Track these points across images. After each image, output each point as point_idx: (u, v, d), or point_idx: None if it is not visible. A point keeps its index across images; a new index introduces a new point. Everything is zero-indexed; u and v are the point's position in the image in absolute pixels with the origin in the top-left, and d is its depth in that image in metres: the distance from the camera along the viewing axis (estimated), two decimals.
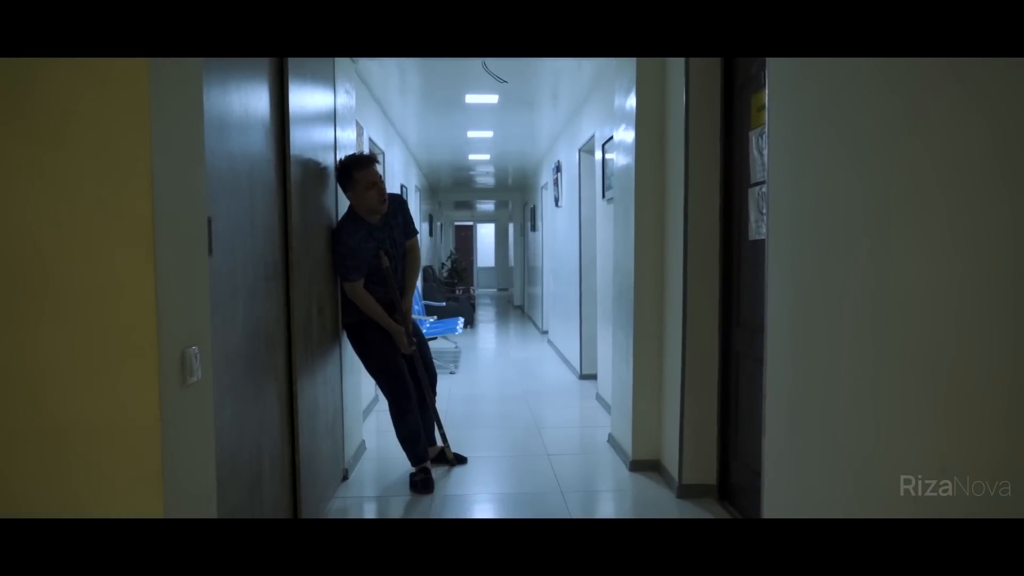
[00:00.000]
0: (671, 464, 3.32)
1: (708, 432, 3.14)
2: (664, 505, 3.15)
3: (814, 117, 1.90)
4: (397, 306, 3.42)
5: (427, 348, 3.73)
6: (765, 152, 2.44)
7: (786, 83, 2.05)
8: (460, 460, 3.80)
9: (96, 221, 1.38)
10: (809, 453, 1.93)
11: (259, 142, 2.30)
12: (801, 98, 1.97)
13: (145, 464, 1.41)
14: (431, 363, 3.73)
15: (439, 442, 3.79)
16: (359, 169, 3.26)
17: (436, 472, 3.59)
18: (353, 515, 3.20)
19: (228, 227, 1.98)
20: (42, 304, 1.38)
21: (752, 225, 2.76)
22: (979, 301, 1.33)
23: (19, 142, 1.35)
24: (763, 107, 2.57)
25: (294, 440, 2.63)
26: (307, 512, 2.72)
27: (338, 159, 3.38)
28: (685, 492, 3.18)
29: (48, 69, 1.35)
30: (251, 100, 2.22)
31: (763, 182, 2.59)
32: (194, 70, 1.64)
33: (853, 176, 1.71)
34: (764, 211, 2.57)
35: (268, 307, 2.37)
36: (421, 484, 3.37)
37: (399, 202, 3.53)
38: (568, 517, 3.04)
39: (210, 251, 1.76)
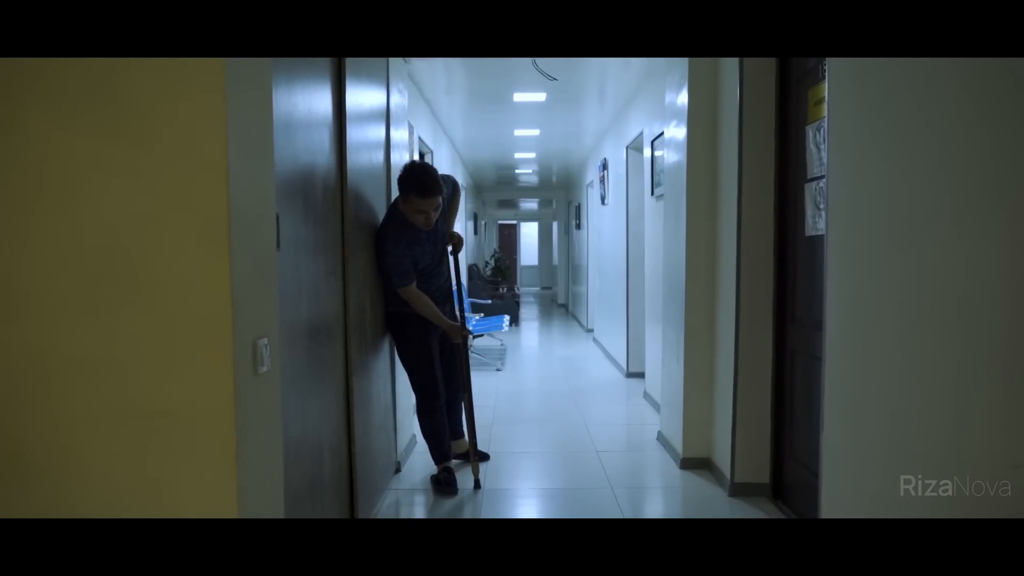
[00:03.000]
0: (723, 462, 3.30)
1: (761, 430, 3.10)
2: (716, 503, 3.13)
3: (876, 110, 1.87)
4: (450, 305, 3.40)
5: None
6: (824, 146, 2.41)
7: (847, 76, 2.01)
8: (483, 457, 3.74)
9: (176, 217, 1.45)
10: (869, 452, 1.90)
11: (319, 141, 2.37)
12: (863, 91, 1.94)
13: (221, 448, 1.47)
14: (467, 360, 3.62)
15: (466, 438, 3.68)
16: (418, 195, 3.05)
17: (482, 466, 3.62)
18: (405, 506, 3.26)
19: (292, 223, 2.04)
20: (126, 295, 1.45)
21: (809, 221, 2.73)
22: None
23: (106, 141, 1.43)
24: (821, 101, 2.53)
25: (350, 431, 2.70)
26: (363, 501, 2.79)
27: (409, 162, 3.31)
28: (737, 490, 3.15)
29: (133, 72, 1.42)
30: (313, 100, 2.29)
31: (821, 177, 2.56)
32: (264, 73, 1.70)
33: (918, 170, 1.68)
34: (822, 206, 2.53)
35: (328, 301, 2.44)
36: (445, 483, 3.33)
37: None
38: (619, 512, 3.05)
39: (278, 246, 1.82)
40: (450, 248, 3.47)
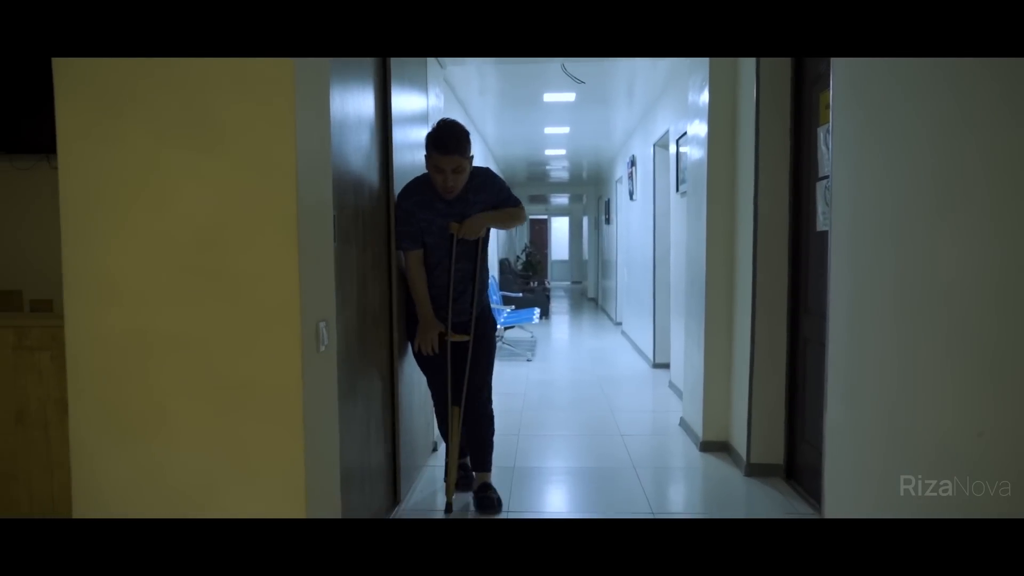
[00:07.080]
0: (740, 445, 3.49)
1: (776, 414, 3.29)
2: (733, 483, 3.32)
3: (874, 114, 2.05)
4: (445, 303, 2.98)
5: (486, 355, 3.12)
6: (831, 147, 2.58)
7: (849, 83, 2.19)
8: (488, 505, 3.03)
9: (253, 216, 1.70)
10: (864, 430, 2.09)
11: (367, 142, 2.62)
12: (863, 98, 2.11)
13: (290, 415, 1.73)
14: (484, 371, 3.10)
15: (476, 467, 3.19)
16: (435, 150, 2.83)
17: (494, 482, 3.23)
18: (440, 481, 3.49)
19: (344, 218, 2.29)
20: (211, 283, 1.71)
21: (819, 217, 2.90)
22: (1019, 288, 1.48)
23: (195, 153, 1.69)
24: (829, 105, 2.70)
25: (394, 409, 2.96)
26: (404, 475, 3.05)
27: (435, 122, 2.99)
28: (753, 471, 3.34)
29: (217, 93, 1.68)
30: (362, 104, 2.54)
31: (829, 176, 2.72)
32: (324, 86, 1.95)
33: (909, 170, 1.86)
34: (830, 203, 2.70)
35: (375, 290, 2.69)
36: (460, 481, 3.21)
37: (485, 177, 3.02)
38: (640, 490, 3.26)
39: (335, 239, 2.07)
40: (456, 234, 2.93)
